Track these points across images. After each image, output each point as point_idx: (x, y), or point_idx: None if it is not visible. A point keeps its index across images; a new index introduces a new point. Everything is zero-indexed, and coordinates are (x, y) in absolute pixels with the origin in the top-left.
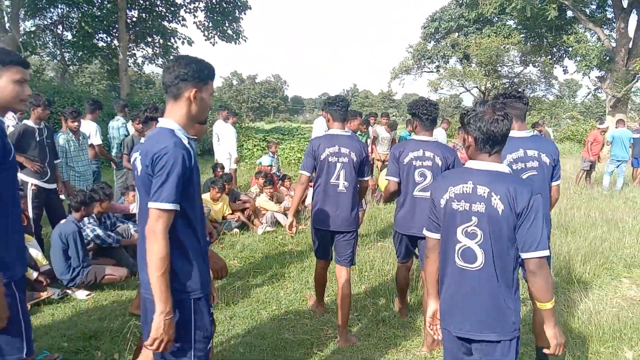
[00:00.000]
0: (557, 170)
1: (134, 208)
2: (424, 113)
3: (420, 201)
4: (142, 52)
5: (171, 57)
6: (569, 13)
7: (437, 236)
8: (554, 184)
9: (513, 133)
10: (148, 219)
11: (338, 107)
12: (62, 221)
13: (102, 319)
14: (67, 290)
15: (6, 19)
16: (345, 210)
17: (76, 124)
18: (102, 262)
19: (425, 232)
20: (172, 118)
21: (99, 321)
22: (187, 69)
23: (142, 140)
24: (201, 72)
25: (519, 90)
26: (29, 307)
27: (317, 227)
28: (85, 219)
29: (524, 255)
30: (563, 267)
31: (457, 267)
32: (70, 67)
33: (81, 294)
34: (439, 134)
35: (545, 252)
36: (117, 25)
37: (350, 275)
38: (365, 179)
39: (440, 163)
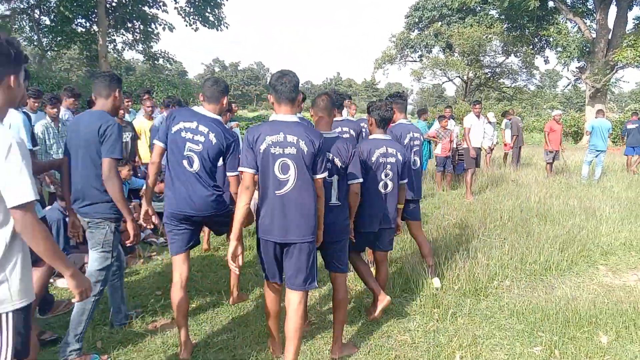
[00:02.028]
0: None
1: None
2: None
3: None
4: (122, 37)
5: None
6: (551, 4)
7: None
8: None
9: (401, 120)
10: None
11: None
12: (47, 208)
13: None
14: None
15: None
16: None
17: (55, 110)
18: (82, 250)
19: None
20: None
21: None
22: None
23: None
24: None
25: (402, 91)
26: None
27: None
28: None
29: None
30: (541, 254)
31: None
32: (49, 53)
33: (62, 283)
34: (419, 126)
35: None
36: (96, 10)
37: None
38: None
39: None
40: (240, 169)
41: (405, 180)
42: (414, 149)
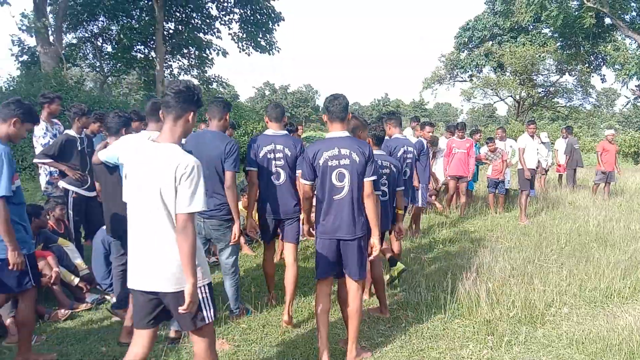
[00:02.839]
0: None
1: None
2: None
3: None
4: (178, 63)
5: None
6: (607, 20)
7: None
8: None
9: (396, 135)
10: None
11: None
12: (103, 227)
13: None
14: (106, 296)
15: (50, 32)
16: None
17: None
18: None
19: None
20: None
21: None
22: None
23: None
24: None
25: (396, 110)
26: (68, 313)
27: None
28: None
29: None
30: (602, 280)
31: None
32: (109, 78)
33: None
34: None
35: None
36: (154, 37)
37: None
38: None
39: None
40: (301, 181)
41: (402, 188)
42: (407, 161)
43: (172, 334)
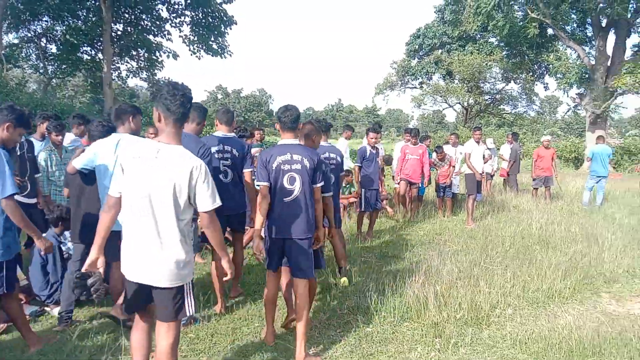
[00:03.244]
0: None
1: None
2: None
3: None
4: (126, 65)
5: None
6: (550, 31)
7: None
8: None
9: (322, 143)
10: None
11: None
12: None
13: (81, 336)
14: (46, 308)
15: None
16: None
17: (60, 137)
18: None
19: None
20: None
21: (78, 339)
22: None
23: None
24: None
25: (325, 118)
26: (4, 327)
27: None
28: (67, 233)
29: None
30: (544, 281)
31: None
32: (54, 80)
33: (56, 311)
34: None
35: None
36: (101, 39)
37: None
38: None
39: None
40: (258, 183)
41: (331, 193)
42: (330, 167)
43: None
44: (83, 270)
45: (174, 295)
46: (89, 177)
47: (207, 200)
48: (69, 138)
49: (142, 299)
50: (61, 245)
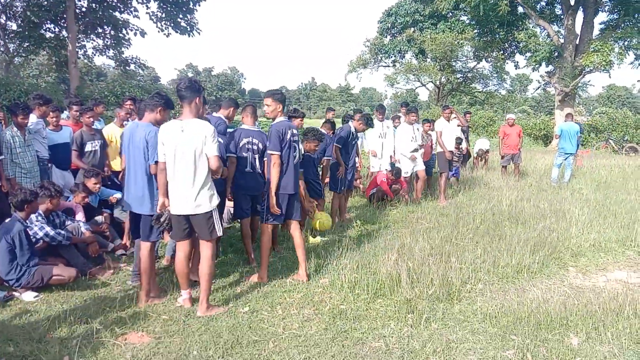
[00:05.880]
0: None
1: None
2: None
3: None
4: (92, 43)
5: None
6: (520, 9)
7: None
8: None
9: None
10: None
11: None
12: (7, 220)
13: (51, 321)
14: (14, 292)
15: None
16: None
17: (26, 120)
18: (50, 261)
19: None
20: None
21: (48, 323)
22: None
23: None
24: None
25: (297, 108)
26: None
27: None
28: (33, 216)
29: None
30: (513, 257)
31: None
32: (16, 59)
33: (28, 296)
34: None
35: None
36: (65, 15)
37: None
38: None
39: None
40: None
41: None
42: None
43: (165, 262)
44: (158, 211)
45: (207, 220)
46: None
47: (214, 149)
48: (31, 120)
49: (184, 229)
50: (27, 229)
